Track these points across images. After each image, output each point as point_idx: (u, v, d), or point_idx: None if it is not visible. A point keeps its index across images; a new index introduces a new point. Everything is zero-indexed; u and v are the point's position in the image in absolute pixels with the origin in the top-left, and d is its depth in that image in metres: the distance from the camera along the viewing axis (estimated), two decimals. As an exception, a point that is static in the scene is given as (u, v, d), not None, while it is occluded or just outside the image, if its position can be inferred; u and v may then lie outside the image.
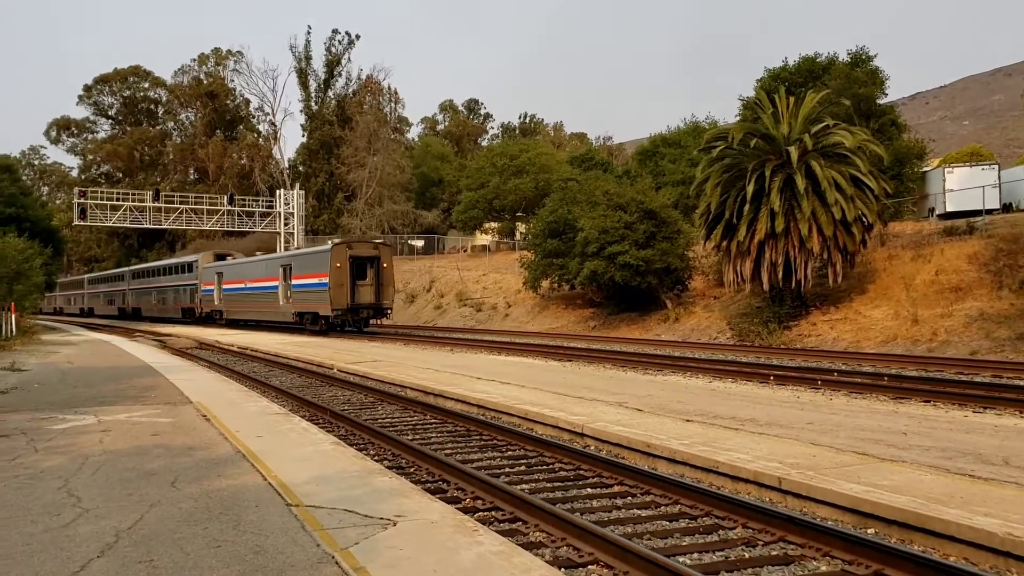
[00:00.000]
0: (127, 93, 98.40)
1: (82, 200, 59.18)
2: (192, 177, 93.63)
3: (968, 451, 8.81)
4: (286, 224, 64.86)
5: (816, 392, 14.65)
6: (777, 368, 18.73)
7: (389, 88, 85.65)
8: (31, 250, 34.99)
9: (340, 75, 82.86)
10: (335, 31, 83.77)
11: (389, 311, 36.82)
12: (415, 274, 59.72)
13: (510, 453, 10.26)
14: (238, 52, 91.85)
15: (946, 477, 7.55)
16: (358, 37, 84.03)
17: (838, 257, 25.98)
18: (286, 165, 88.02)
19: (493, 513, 7.46)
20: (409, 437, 11.24)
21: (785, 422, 10.81)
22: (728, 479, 8.20)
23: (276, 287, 40.38)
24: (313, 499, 6.70)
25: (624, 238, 32.75)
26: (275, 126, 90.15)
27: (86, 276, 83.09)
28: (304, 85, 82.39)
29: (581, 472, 9.04)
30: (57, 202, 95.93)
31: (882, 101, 38.24)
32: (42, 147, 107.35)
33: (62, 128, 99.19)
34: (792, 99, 27.59)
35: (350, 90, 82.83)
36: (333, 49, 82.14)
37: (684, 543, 6.69)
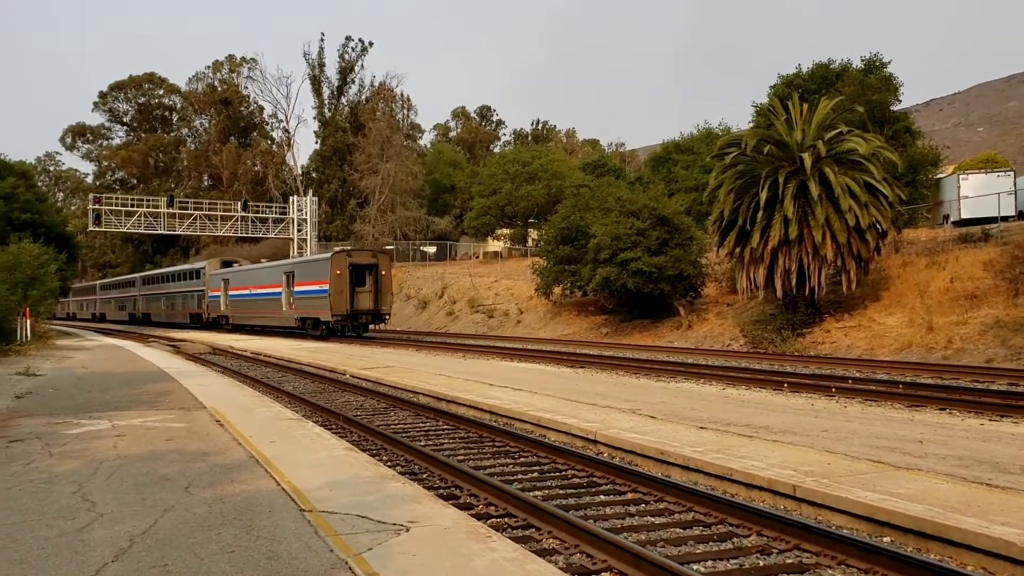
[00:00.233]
0: (142, 100, 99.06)
1: (97, 206, 59.63)
2: (206, 183, 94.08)
3: (985, 459, 8.74)
4: (299, 230, 65.12)
5: (830, 399, 14.57)
6: (791, 375, 18.63)
7: (402, 95, 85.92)
8: (46, 256, 35.21)
9: (353, 82, 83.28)
10: (348, 38, 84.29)
11: (387, 317, 37.96)
12: (427, 280, 59.79)
13: (523, 460, 10.24)
14: (252, 59, 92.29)
15: (963, 486, 7.49)
16: (371, 44, 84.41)
17: (852, 264, 25.85)
18: (299, 172, 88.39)
19: (506, 519, 7.44)
20: (422, 443, 11.23)
21: (799, 429, 10.75)
22: (742, 486, 8.16)
23: (279, 293, 41.42)
24: (326, 504, 6.70)
25: (636, 245, 32.70)
26: (289, 133, 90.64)
27: (98, 282, 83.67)
28: (317, 92, 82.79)
29: (594, 479, 9.02)
30: (72, 208, 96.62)
31: (896, 108, 38.07)
32: (57, 153, 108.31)
33: (77, 135, 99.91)
34: (806, 106, 27.50)
35: (363, 97, 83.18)
36: (346, 56, 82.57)
37: (698, 550, 6.66)
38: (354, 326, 37.01)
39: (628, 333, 35.37)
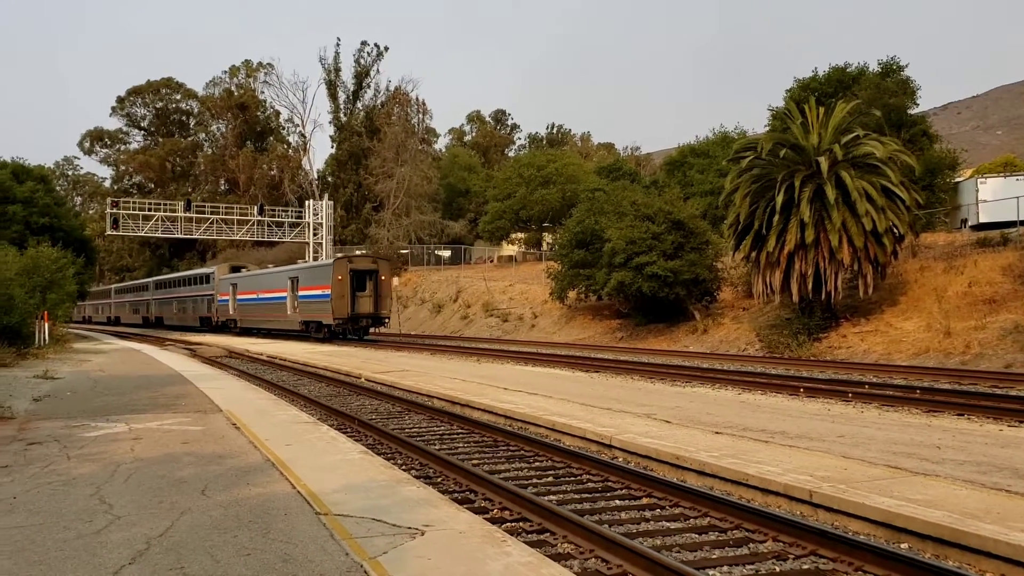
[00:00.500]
0: (159, 105, 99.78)
1: (114, 210, 60.03)
2: (223, 188, 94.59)
3: (1004, 465, 8.67)
4: (315, 234, 65.32)
5: (847, 405, 14.48)
6: (807, 380, 18.54)
7: (417, 99, 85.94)
8: (64, 259, 35.48)
9: (369, 86, 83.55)
10: (364, 43, 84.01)
11: (387, 320, 39.33)
12: (442, 284, 59.87)
13: (537, 464, 10.23)
14: (268, 64, 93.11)
15: (982, 492, 7.43)
16: (387, 49, 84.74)
17: (869, 268, 25.71)
18: (315, 176, 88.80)
19: (521, 524, 7.44)
20: (436, 447, 11.24)
21: (815, 435, 10.70)
22: (758, 492, 8.12)
23: (285, 298, 42.65)
24: (342, 508, 6.72)
25: (652, 248, 32.63)
26: (305, 137, 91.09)
27: (113, 286, 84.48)
28: (333, 97, 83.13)
29: (609, 484, 9.00)
30: (90, 212, 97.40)
31: (913, 111, 37.89)
32: (75, 158, 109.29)
33: (95, 139, 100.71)
34: (822, 109, 27.41)
35: (378, 101, 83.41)
36: (362, 61, 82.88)
37: (714, 556, 6.64)
38: (355, 329, 38.25)
39: (643, 337, 35.29)
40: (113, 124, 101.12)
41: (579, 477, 9.44)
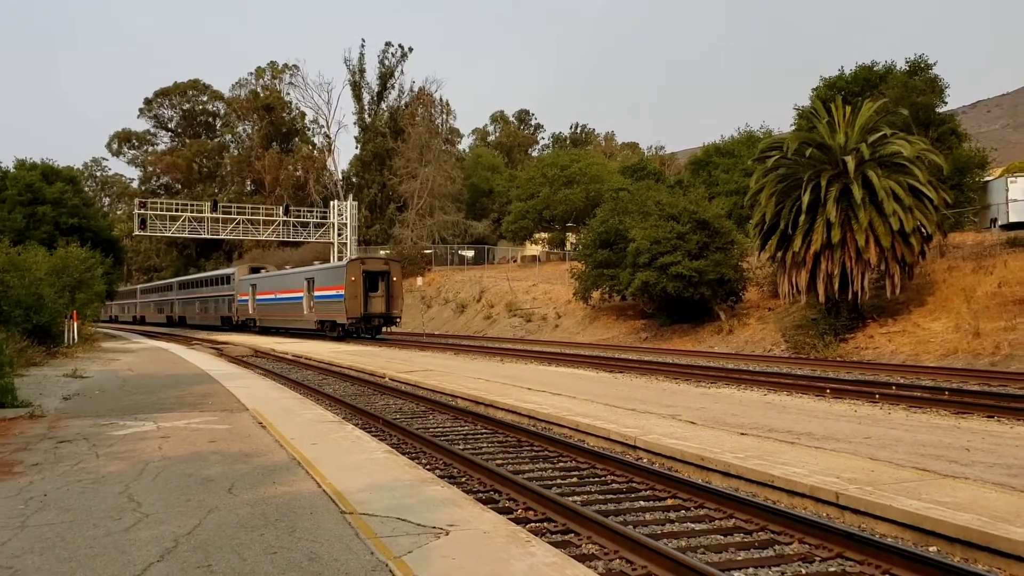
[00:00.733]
0: (186, 106, 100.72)
1: (142, 211, 60.71)
2: (249, 188, 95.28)
3: (1034, 468, 8.55)
4: (339, 234, 65.69)
5: (874, 406, 14.36)
6: (833, 381, 18.39)
7: (441, 100, 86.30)
8: (93, 259, 35.93)
9: (393, 87, 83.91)
10: (388, 44, 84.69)
11: (398, 320, 40.84)
12: (465, 284, 59.97)
13: (561, 464, 10.22)
14: (294, 66, 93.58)
15: (1012, 495, 7.34)
16: (411, 50, 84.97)
17: (896, 268, 25.47)
18: (340, 176, 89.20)
19: (545, 524, 7.44)
20: (461, 447, 11.26)
21: (842, 436, 10.61)
22: (784, 493, 8.07)
23: (301, 298, 44.08)
24: (366, 507, 6.75)
25: (676, 248, 32.50)
26: (329, 138, 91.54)
27: (139, 286, 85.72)
28: (358, 98, 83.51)
29: (634, 485, 8.97)
30: (118, 213, 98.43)
31: (941, 110, 37.45)
32: (104, 159, 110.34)
33: (123, 140, 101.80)
34: (848, 108, 27.19)
35: (402, 102, 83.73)
36: (386, 62, 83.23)
37: (739, 557, 6.60)
38: (367, 328, 39.47)
39: (667, 338, 35.16)
40: (141, 125, 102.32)
41: (603, 478, 9.42)
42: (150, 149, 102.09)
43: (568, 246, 64.86)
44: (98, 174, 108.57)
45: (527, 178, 67.16)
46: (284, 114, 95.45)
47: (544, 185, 62.89)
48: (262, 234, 65.92)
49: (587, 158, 67.90)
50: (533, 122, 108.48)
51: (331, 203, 69.34)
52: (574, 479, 9.39)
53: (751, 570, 6.32)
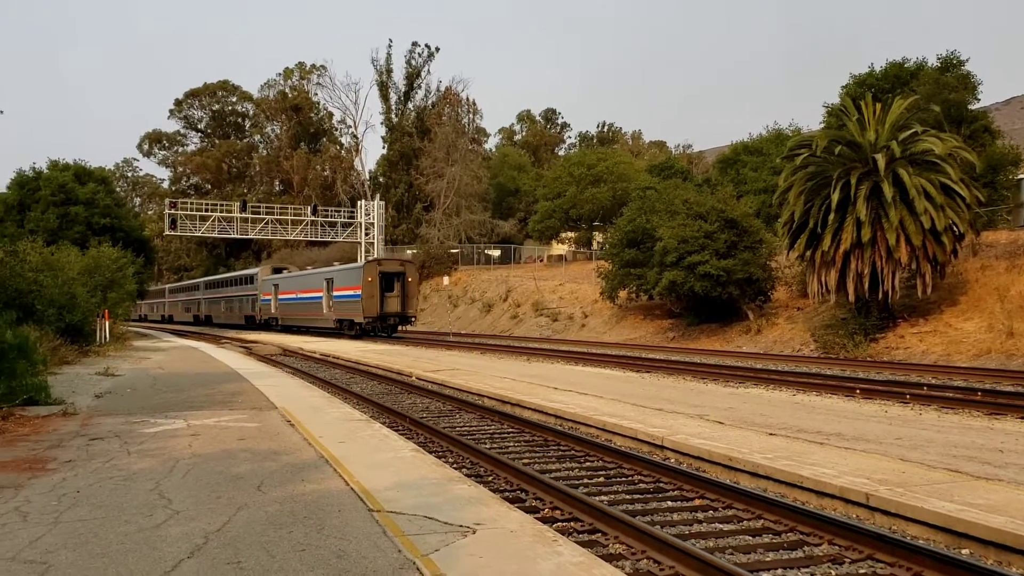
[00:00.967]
0: (216, 107, 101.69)
1: (172, 211, 61.40)
2: (277, 188, 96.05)
3: (1070, 471, 8.41)
4: (367, 234, 66.02)
5: (905, 407, 14.20)
6: (863, 381, 18.21)
7: (467, 99, 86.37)
8: (124, 259, 36.41)
9: (420, 87, 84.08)
10: (415, 44, 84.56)
11: (413, 319, 42.54)
12: (491, 284, 60.00)
13: (588, 464, 10.21)
14: (322, 66, 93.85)
15: (1046, 497, 7.22)
16: (437, 50, 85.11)
17: (927, 267, 25.17)
18: (367, 176, 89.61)
19: (572, 524, 7.43)
20: (487, 446, 11.28)
21: (872, 437, 10.51)
22: (813, 494, 8.01)
23: (321, 298, 45.70)
24: (394, 505, 6.77)
25: (704, 248, 32.32)
26: (357, 138, 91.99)
27: (167, 286, 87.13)
28: (385, 98, 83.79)
29: (661, 485, 8.94)
30: (149, 213, 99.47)
31: (974, 107, 36.94)
32: (135, 160, 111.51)
33: (154, 141, 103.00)
34: (879, 105, 26.89)
35: (429, 102, 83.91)
36: (413, 62, 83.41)
37: (768, 558, 6.56)
38: (383, 327, 40.92)
39: (695, 337, 34.98)
40: (171, 126, 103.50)
41: (630, 478, 9.40)
42: (180, 150, 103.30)
43: (595, 245, 64.71)
44: (129, 175, 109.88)
45: (554, 177, 67.03)
46: (312, 114, 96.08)
47: (571, 184, 62.74)
48: (290, 234, 66.44)
49: (614, 157, 67.65)
50: (560, 121, 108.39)
51: (358, 203, 69.72)
52: (601, 479, 9.38)
53: (780, 571, 6.28)
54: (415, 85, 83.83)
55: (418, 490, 7.37)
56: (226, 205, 65.35)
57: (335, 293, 43.83)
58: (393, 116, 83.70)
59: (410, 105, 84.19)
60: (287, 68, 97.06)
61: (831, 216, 25.45)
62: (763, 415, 12.57)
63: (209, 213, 62.81)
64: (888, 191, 24.35)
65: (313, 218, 65.19)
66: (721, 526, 7.44)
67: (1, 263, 23.38)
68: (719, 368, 22.10)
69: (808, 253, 27.17)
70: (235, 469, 8.32)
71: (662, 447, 10.51)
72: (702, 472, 9.27)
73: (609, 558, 6.34)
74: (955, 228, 24.93)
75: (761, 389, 17.36)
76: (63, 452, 9.37)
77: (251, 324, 57.32)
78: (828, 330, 28.31)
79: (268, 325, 54.27)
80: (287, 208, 68.35)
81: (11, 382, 12.80)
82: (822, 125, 38.32)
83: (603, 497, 8.36)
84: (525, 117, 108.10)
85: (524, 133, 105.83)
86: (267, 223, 64.69)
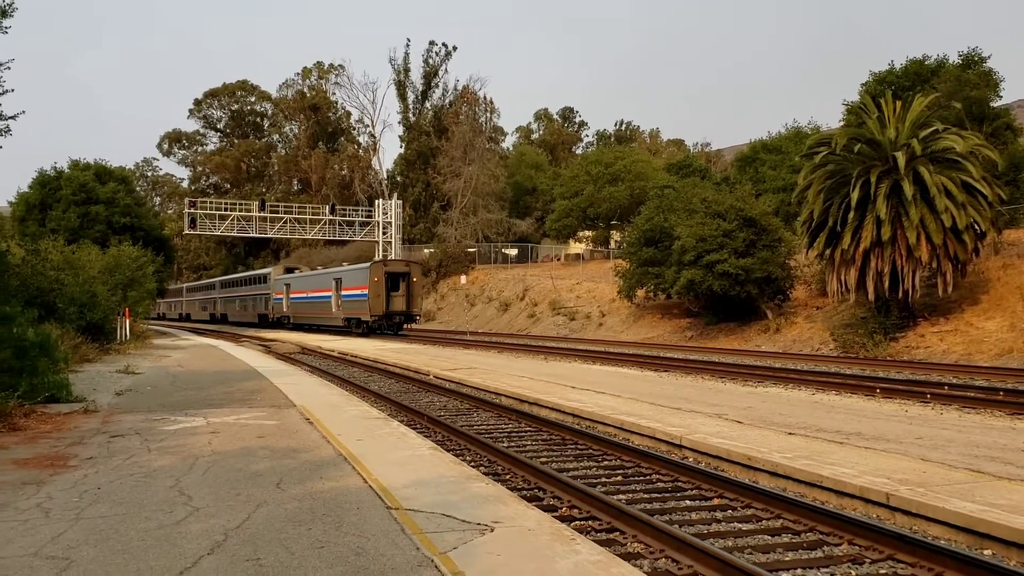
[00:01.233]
0: (235, 107, 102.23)
1: (192, 210, 61.79)
2: (296, 188, 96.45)
3: (1094, 471, 8.32)
4: (384, 233, 66.17)
5: (925, 406, 14.09)
6: (883, 381, 18.09)
7: (485, 98, 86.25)
8: (144, 258, 36.70)
9: (437, 86, 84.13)
10: (432, 43, 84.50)
11: (418, 317, 44.00)
12: (509, 283, 60.01)
13: (606, 463, 10.19)
14: (340, 66, 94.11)
15: (1070, 498, 7.14)
16: (455, 49, 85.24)
17: (948, 266, 24.96)
18: (384, 175, 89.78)
19: (590, 522, 7.42)
20: (505, 444, 11.28)
21: (892, 436, 10.43)
22: (832, 494, 7.96)
23: (330, 297, 47.30)
24: (412, 503, 6.79)
25: (723, 246, 32.18)
26: (374, 137, 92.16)
27: (185, 285, 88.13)
28: (402, 97, 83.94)
29: (679, 484, 8.91)
30: (169, 212, 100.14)
31: (996, 104, 36.61)
32: (155, 159, 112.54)
33: (173, 141, 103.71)
34: (899, 103, 26.70)
35: (446, 101, 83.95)
36: (430, 61, 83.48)
37: (787, 558, 6.53)
38: (389, 325, 42.64)
39: (713, 337, 34.85)
40: (190, 126, 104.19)
41: (648, 477, 9.37)
42: (199, 149, 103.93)
43: (612, 244, 64.55)
44: (149, 174, 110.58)
45: (571, 176, 66.91)
46: (330, 114, 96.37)
47: (588, 183, 62.60)
48: (308, 233, 66.74)
49: (632, 155, 67.41)
50: (577, 119, 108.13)
51: (376, 202, 69.89)
52: (619, 478, 9.36)
53: (799, 571, 6.24)
54: (432, 84, 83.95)
55: (436, 488, 7.39)
56: (245, 204, 65.70)
57: (343, 292, 45.37)
58: (411, 115, 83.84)
59: (427, 104, 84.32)
60: (305, 68, 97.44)
61: (851, 214, 25.30)
62: (782, 414, 12.50)
63: (228, 212, 63.16)
64: (908, 189, 24.16)
65: (331, 217, 65.44)
66: (740, 525, 7.41)
67: (23, 262, 23.63)
68: (737, 367, 22.00)
69: (827, 252, 27.01)
70: (254, 466, 8.37)
71: (680, 446, 10.47)
72: (721, 471, 9.23)
73: (627, 557, 6.33)
74: (976, 226, 24.71)
75: (780, 388, 17.27)
76: (84, 449, 9.45)
77: (264, 322, 58.71)
78: (847, 329, 28.14)
79: (280, 323, 55.78)
80: (305, 207, 68.64)
81: (33, 380, 12.92)
82: (842, 123, 38.03)
83: (621, 496, 8.34)
84: (542, 116, 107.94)
85: (541, 132, 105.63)
86: (285, 222, 65.01)
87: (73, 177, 45.95)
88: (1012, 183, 31.83)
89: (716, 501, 8.23)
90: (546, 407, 14.40)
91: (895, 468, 8.36)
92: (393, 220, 66.48)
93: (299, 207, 68.84)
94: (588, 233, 68.09)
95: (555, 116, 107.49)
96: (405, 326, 43.78)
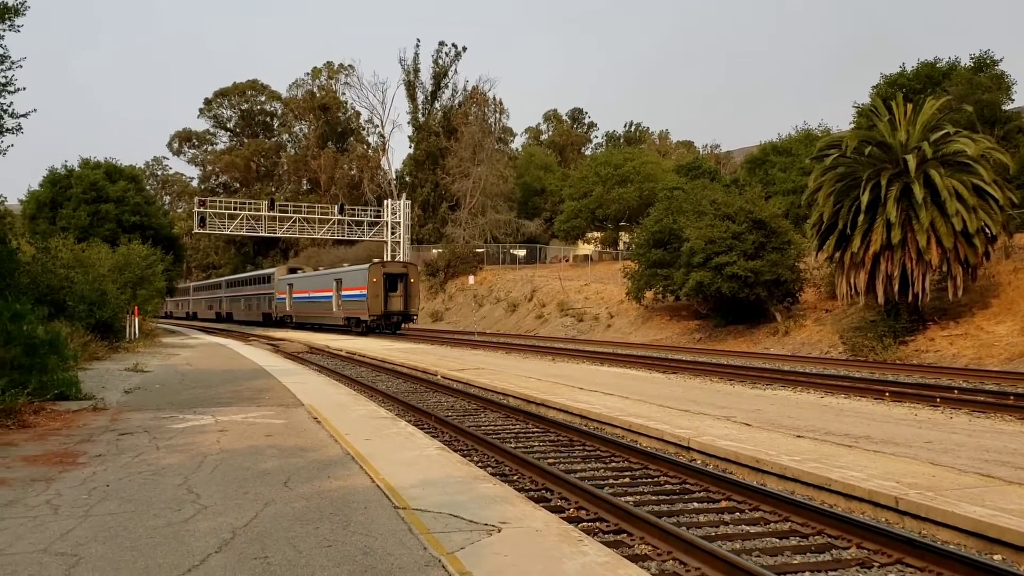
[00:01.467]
0: (245, 106, 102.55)
1: (201, 209, 61.98)
2: (305, 187, 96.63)
3: (1105, 477, 8.26)
4: (393, 233, 66.28)
5: (935, 410, 14.03)
6: (892, 384, 18.01)
7: (494, 99, 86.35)
8: (154, 257, 36.80)
9: (446, 87, 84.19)
10: (442, 43, 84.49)
11: (415, 317, 45.34)
12: (517, 283, 59.99)
13: (614, 464, 10.18)
14: (350, 66, 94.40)
15: (1081, 503, 7.10)
16: (464, 49, 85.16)
17: (958, 270, 24.85)
18: (393, 176, 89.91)
19: (597, 524, 7.41)
20: (512, 445, 11.28)
21: (902, 440, 10.39)
22: (841, 497, 7.93)
23: (331, 297, 48.50)
24: (419, 503, 6.79)
25: (732, 248, 32.12)
26: (384, 138, 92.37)
27: (192, 284, 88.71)
28: (412, 97, 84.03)
29: (687, 486, 8.90)
30: (178, 211, 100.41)
31: (1008, 107, 36.46)
32: (165, 158, 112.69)
33: (183, 140, 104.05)
34: (910, 106, 26.59)
35: (456, 101, 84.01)
36: (440, 61, 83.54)
37: (795, 561, 6.51)
38: (387, 324, 43.91)
39: (722, 339, 34.78)
40: (200, 125, 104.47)
41: (656, 479, 9.36)
42: (209, 148, 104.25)
43: (621, 245, 64.48)
44: (159, 173, 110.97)
45: (580, 177, 66.84)
46: (340, 114, 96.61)
47: (597, 184, 62.53)
48: (317, 232, 66.91)
49: (641, 157, 67.31)
50: (586, 121, 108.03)
51: (385, 202, 70.01)
52: (627, 479, 9.34)
53: (807, 574, 6.23)
54: (442, 84, 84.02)
55: (443, 488, 7.39)
56: (254, 204, 65.90)
57: (343, 293, 46.68)
58: (420, 115, 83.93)
59: (437, 104, 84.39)
60: (315, 68, 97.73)
61: (861, 217, 25.21)
62: (790, 417, 12.47)
63: (237, 211, 63.38)
64: (919, 192, 24.07)
65: (340, 217, 65.60)
66: (748, 528, 7.39)
67: (33, 260, 23.75)
68: (746, 369, 21.94)
69: (837, 254, 26.92)
70: (262, 465, 8.39)
71: (688, 448, 10.45)
72: (729, 474, 9.21)
73: (635, 558, 6.32)
74: (987, 230, 24.60)
75: (788, 391, 17.22)
76: (93, 447, 9.48)
77: (267, 321, 59.89)
78: (857, 332, 28.05)
79: (283, 322, 56.97)
80: (314, 207, 68.84)
81: (43, 377, 12.97)
82: (852, 125, 37.97)
83: (629, 498, 8.33)
84: (551, 117, 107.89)
85: (550, 133, 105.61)
86: (294, 222, 65.20)
87: (83, 175, 46.10)
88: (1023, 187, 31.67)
89: (724, 503, 8.21)
90: (554, 408, 14.40)
91: (904, 472, 8.32)
92: (402, 220, 66.58)
93: (308, 207, 69.01)
94: (597, 234, 68.01)
95: (564, 117, 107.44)
96: (403, 325, 45.09)
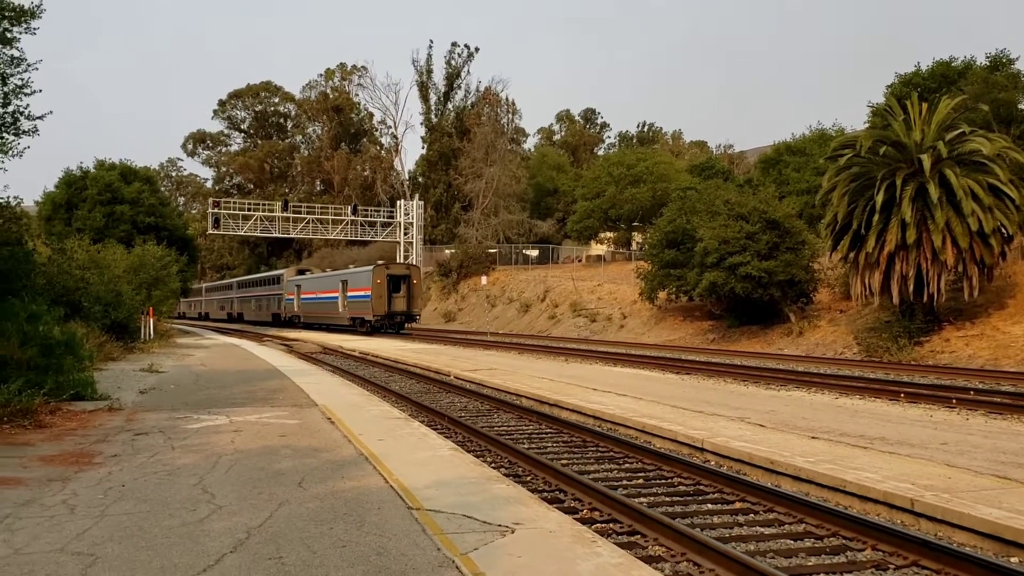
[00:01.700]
0: (258, 108, 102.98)
1: (215, 210, 62.21)
2: (318, 188, 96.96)
3: (1123, 479, 8.19)
4: (405, 234, 66.36)
5: (951, 411, 13.94)
6: (908, 385, 17.91)
7: (507, 99, 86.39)
8: (168, 257, 36.99)
9: (459, 88, 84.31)
10: (454, 44, 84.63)
11: (417, 317, 46.92)
12: (529, 284, 59.97)
13: (627, 465, 10.16)
14: (363, 67, 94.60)
15: (1099, 506, 7.04)
16: (477, 50, 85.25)
17: (974, 270, 24.68)
18: (406, 176, 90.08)
19: (611, 525, 7.40)
20: (525, 446, 11.28)
21: (917, 441, 10.33)
22: (856, 499, 7.89)
23: (337, 298, 49.79)
24: (433, 503, 6.80)
25: (745, 249, 32.01)
26: (397, 138, 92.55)
27: (204, 285, 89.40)
28: (425, 98, 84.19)
29: (701, 487, 8.87)
30: (193, 212, 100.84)
31: (1024, 106, 36.18)
32: (179, 159, 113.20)
33: (198, 141, 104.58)
34: (925, 105, 26.44)
35: (468, 102, 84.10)
36: (453, 62, 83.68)
37: (810, 563, 6.48)
38: (391, 324, 45.29)
39: (736, 339, 34.67)
40: (215, 127, 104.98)
41: (670, 480, 9.34)
42: (223, 150, 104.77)
43: (634, 246, 64.36)
44: (173, 174, 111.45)
45: (592, 177, 66.77)
46: (353, 115, 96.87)
47: (610, 184, 62.46)
48: (331, 233, 67.07)
49: (654, 157, 67.18)
50: (599, 121, 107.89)
51: (398, 203, 70.09)
52: (640, 480, 9.33)
53: (822, 576, 6.20)
54: (455, 85, 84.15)
55: (457, 489, 7.40)
56: (268, 205, 66.09)
57: (349, 294, 47.95)
58: (433, 116, 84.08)
59: (449, 105, 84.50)
60: (328, 69, 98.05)
61: (875, 217, 25.09)
62: (805, 418, 12.42)
63: (251, 212, 63.57)
64: (934, 192, 23.93)
65: (353, 218, 65.72)
66: (762, 529, 7.37)
67: (49, 261, 23.89)
68: (760, 370, 21.86)
69: (851, 255, 26.79)
70: (276, 465, 8.42)
71: (702, 449, 10.43)
72: (743, 475, 9.18)
73: (649, 560, 6.31)
74: (1003, 230, 24.44)
75: (803, 392, 17.15)
76: (109, 447, 9.54)
77: (277, 321, 61.02)
78: (871, 333, 27.91)
79: (291, 322, 58.32)
80: (328, 208, 68.99)
81: (59, 377, 13.06)
82: (866, 125, 37.77)
83: (642, 499, 8.32)
84: (564, 117, 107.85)
85: (563, 133, 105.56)
86: (308, 223, 65.39)
87: (99, 177, 46.37)
88: (1040, 186, 31.43)
89: (738, 505, 8.18)
90: (567, 409, 14.39)
91: (920, 473, 8.28)
92: (415, 221, 66.65)
93: (321, 207, 69.20)
94: (609, 234, 67.91)
95: (577, 117, 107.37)
96: (407, 325, 46.45)
